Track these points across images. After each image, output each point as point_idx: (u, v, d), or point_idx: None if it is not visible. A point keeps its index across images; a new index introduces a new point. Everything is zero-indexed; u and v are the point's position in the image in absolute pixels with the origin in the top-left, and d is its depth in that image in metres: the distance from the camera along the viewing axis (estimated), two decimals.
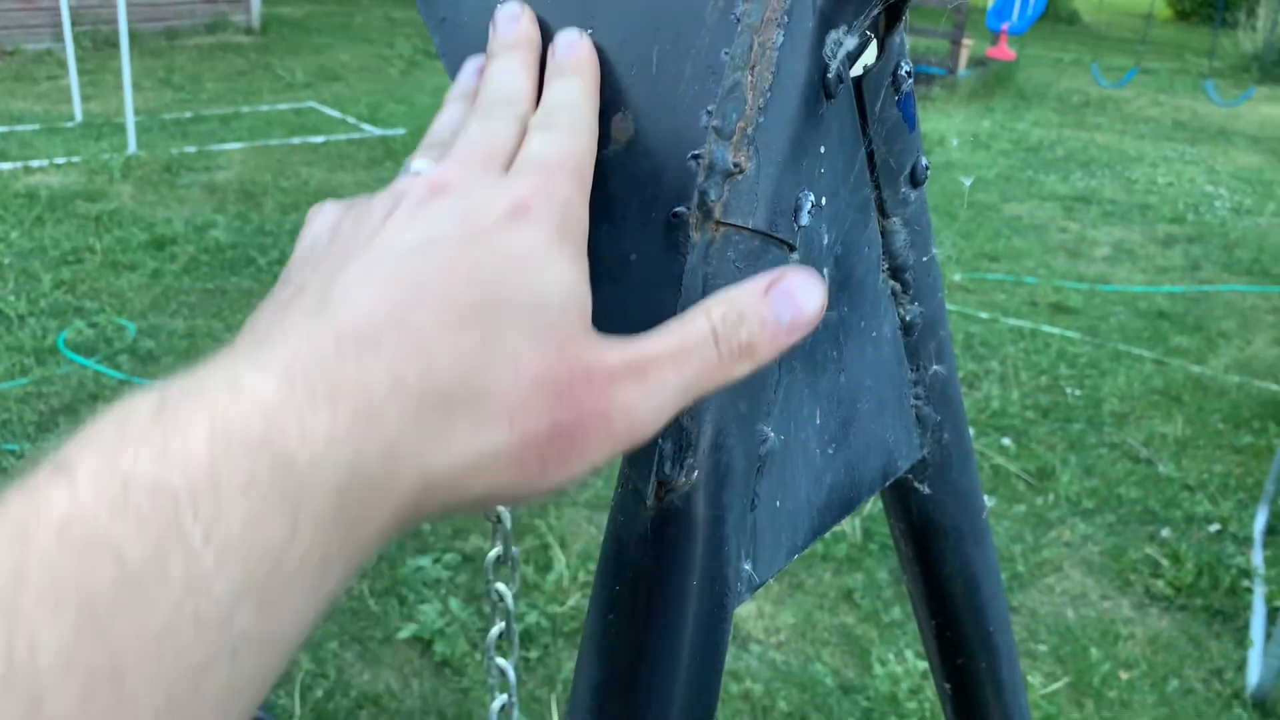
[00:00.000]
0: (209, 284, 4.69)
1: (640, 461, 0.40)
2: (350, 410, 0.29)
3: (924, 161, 0.50)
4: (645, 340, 0.35)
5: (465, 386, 0.31)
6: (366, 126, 7.52)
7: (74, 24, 6.93)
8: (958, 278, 5.42)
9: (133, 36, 7.01)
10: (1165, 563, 3.17)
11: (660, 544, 0.40)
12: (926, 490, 0.60)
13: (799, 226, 0.42)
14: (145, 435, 0.26)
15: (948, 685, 0.71)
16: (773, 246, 0.41)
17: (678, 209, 0.40)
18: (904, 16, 0.46)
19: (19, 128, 6.85)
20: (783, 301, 0.37)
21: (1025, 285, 5.39)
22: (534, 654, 2.69)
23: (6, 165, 5.99)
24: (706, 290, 0.40)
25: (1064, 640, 2.86)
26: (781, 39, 0.40)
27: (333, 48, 10.49)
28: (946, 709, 0.74)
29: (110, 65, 8.27)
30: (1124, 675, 2.75)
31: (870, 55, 0.46)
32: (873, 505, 3.43)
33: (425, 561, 2.97)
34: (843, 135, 0.46)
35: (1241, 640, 2.88)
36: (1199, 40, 14.55)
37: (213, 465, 0.26)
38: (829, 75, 0.42)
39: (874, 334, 0.51)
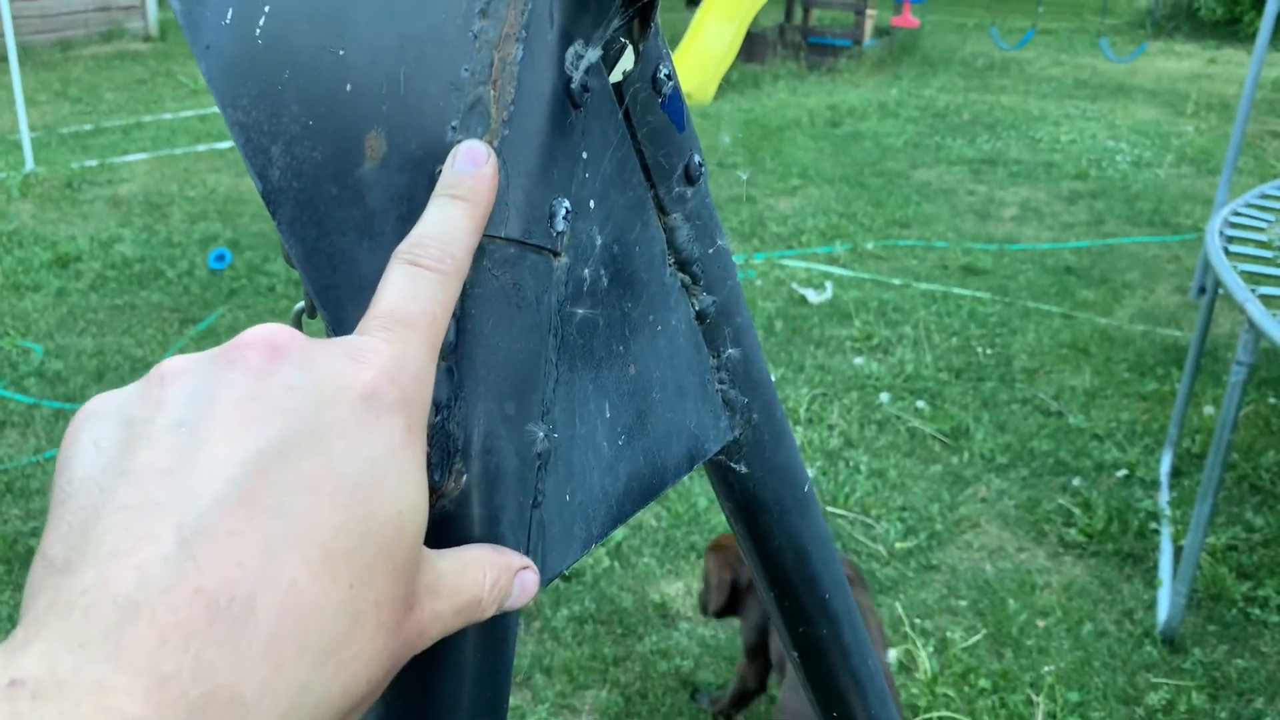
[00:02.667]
0: (117, 300, 4.59)
1: None
2: (221, 714, 0.27)
3: (698, 159, 0.52)
4: (443, 584, 0.36)
5: (334, 648, 0.30)
6: None
7: None
8: (870, 245, 5.50)
9: (24, 49, 6.81)
10: (1077, 511, 3.27)
11: (437, 549, 0.42)
12: (744, 469, 0.62)
13: (556, 232, 0.44)
14: None
15: (795, 653, 0.74)
16: (530, 252, 0.43)
17: None
18: (654, 22, 0.48)
19: None
20: (518, 587, 0.40)
21: (936, 249, 5.49)
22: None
23: None
24: (469, 298, 0.41)
25: (983, 594, 2.94)
26: (521, 54, 0.42)
27: None
28: (800, 676, 0.77)
29: (1, 80, 8.03)
30: (1041, 623, 2.84)
31: (629, 61, 0.48)
32: None
33: None
34: (606, 140, 0.47)
35: (1151, 580, 2.98)
36: None
37: None
38: (573, 86, 0.43)
39: (663, 326, 0.53)
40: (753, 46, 9.70)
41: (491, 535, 0.42)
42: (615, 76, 0.48)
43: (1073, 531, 3.19)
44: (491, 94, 0.41)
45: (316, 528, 0.30)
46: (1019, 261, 5.36)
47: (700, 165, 0.52)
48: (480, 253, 0.42)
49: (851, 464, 3.53)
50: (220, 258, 4.94)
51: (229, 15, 0.47)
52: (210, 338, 4.27)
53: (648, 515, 3.26)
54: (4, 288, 4.67)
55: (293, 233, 0.45)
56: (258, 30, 0.46)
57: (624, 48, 0.47)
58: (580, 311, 0.47)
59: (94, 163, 6.49)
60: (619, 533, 3.15)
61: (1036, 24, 9.69)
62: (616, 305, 0.50)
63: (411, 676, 0.42)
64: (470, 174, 0.39)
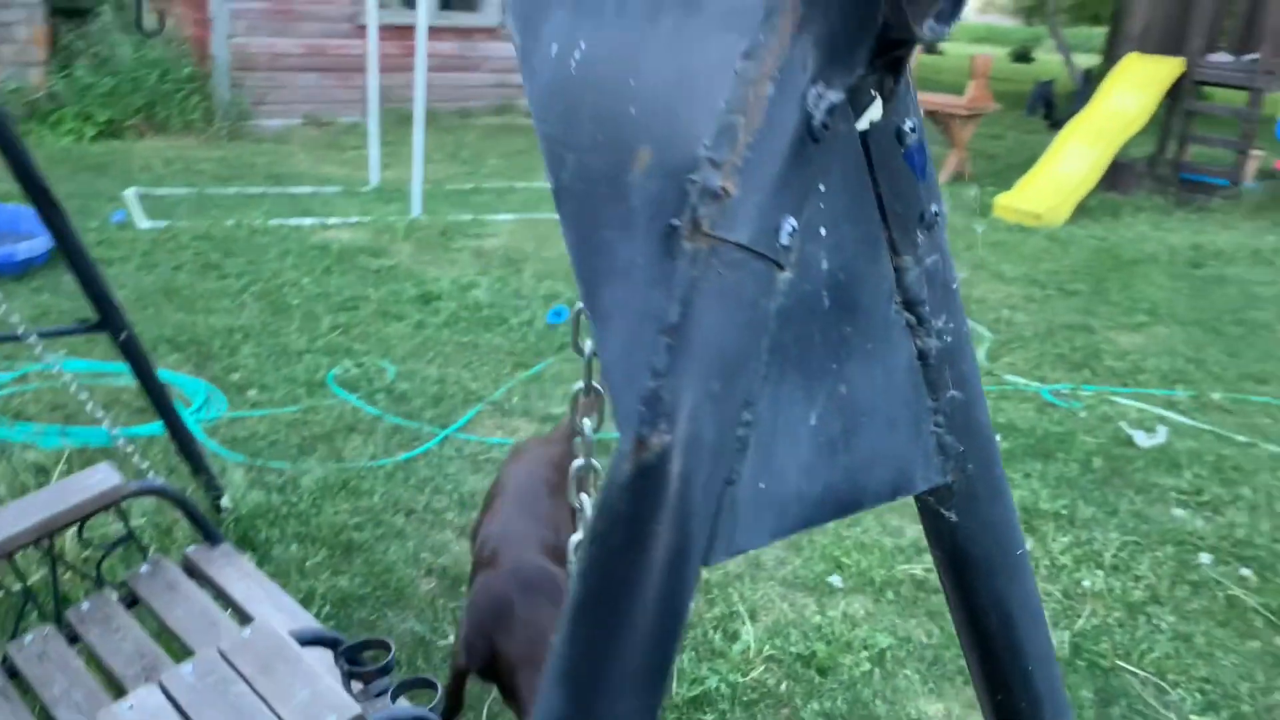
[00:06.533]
0: (464, 338, 5.08)
1: (625, 422, 0.49)
2: None
3: (935, 209, 0.57)
4: None
5: None
6: None
7: (382, 102, 7.74)
8: (1217, 396, 5.07)
9: (430, 115, 7.73)
10: None
11: (636, 492, 0.49)
12: (954, 518, 0.64)
13: (780, 245, 0.50)
14: None
15: None
16: (756, 259, 0.50)
17: (674, 220, 0.49)
18: (904, 79, 0.54)
19: (323, 189, 7.70)
20: None
21: None
22: (710, 718, 2.73)
23: (307, 221, 6.75)
24: (694, 288, 0.49)
25: None
26: (773, 91, 0.49)
27: None
28: None
29: (409, 138, 9.13)
30: None
31: (876, 112, 0.54)
32: (1076, 630, 3.26)
33: None
34: (845, 178, 0.54)
35: None
36: None
37: None
38: (814, 123, 0.50)
39: (881, 357, 0.58)
40: (1117, 175, 9.26)
41: (684, 493, 0.49)
42: (862, 125, 0.54)
43: None
44: (741, 121, 0.49)
45: None
46: None
47: (936, 214, 0.57)
48: (711, 252, 0.49)
49: (1154, 621, 3.25)
50: (558, 314, 5.35)
51: (554, 50, 0.58)
52: (536, 384, 4.62)
53: (919, 630, 3.16)
54: (375, 314, 5.29)
55: (570, 224, 0.54)
56: (573, 63, 0.56)
57: (873, 99, 0.53)
58: (798, 322, 0.53)
59: (468, 217, 7.23)
60: (885, 640, 3.08)
61: None
62: (835, 327, 0.55)
63: (587, 627, 0.49)
64: None
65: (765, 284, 0.50)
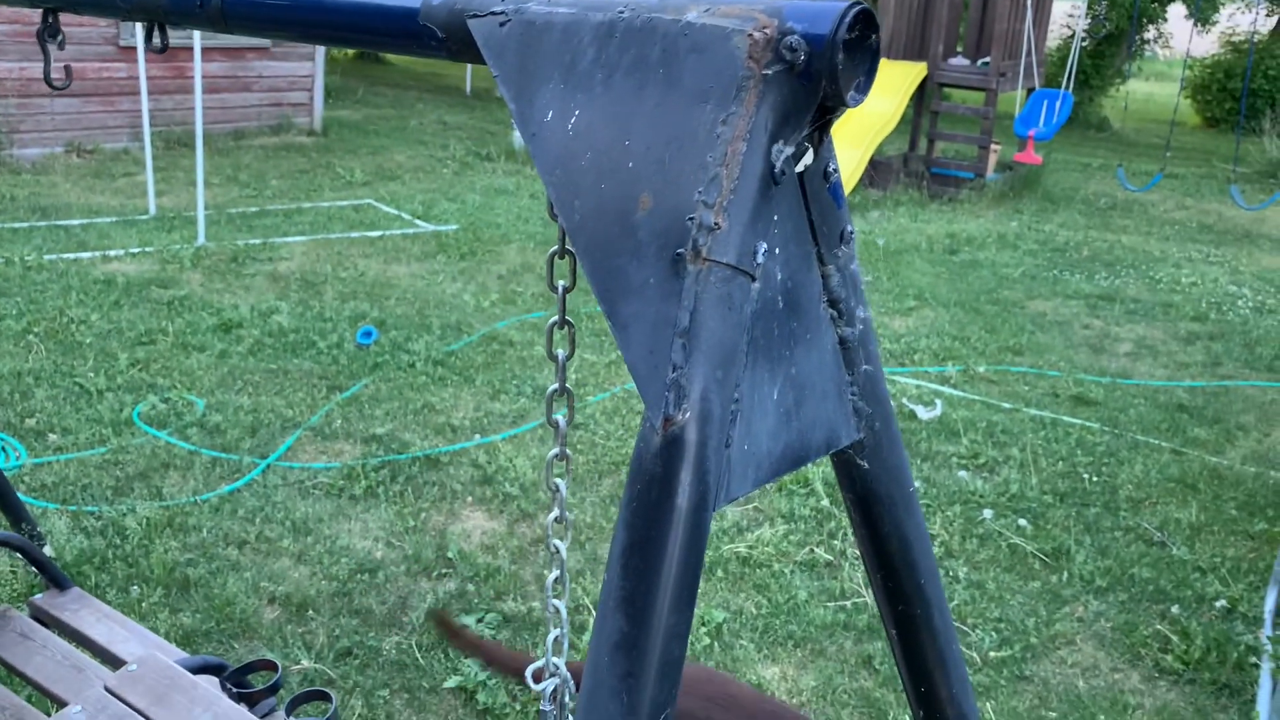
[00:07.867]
0: (272, 364, 5.00)
1: (653, 405, 0.64)
2: None
3: (850, 227, 0.75)
4: None
5: None
6: (420, 223, 7.93)
7: (151, 125, 7.43)
8: (982, 369, 5.62)
9: (204, 137, 7.49)
10: (1175, 639, 3.31)
11: (665, 457, 0.64)
12: (865, 465, 0.83)
13: (757, 263, 0.67)
14: None
15: (894, 631, 0.93)
16: (739, 275, 0.66)
17: (680, 250, 0.65)
18: (828, 134, 0.71)
19: (97, 220, 7.32)
20: None
21: (1048, 378, 5.58)
22: None
23: (86, 254, 6.42)
24: (698, 300, 0.64)
25: (1074, 708, 3.00)
26: (745, 148, 0.65)
27: (390, 149, 11.03)
28: (896, 653, 0.95)
29: (182, 163, 8.80)
30: None
31: (809, 158, 0.71)
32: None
33: (469, 620, 3.18)
34: (790, 209, 0.71)
35: (1248, 713, 3.00)
36: (1227, 147, 14.85)
37: None
38: (775, 170, 0.67)
39: (815, 344, 0.75)
40: (876, 173, 10.00)
41: (700, 456, 0.64)
42: (799, 167, 0.71)
43: (1169, 658, 3.23)
44: (724, 172, 0.65)
45: None
46: (1131, 396, 5.41)
47: (851, 233, 0.75)
48: (709, 271, 0.65)
49: (950, 573, 3.63)
50: (367, 334, 5.34)
51: (549, 115, 0.72)
52: (354, 405, 4.62)
53: (749, 603, 3.41)
54: (174, 346, 5.13)
55: (586, 254, 0.69)
56: (569, 126, 0.71)
57: (806, 149, 0.71)
58: (763, 321, 0.70)
59: (257, 241, 7.06)
60: (720, 615, 3.31)
61: (1165, 167, 9.78)
62: (786, 322, 0.72)
63: (636, 562, 0.64)
64: None
65: (745, 293, 0.67)
